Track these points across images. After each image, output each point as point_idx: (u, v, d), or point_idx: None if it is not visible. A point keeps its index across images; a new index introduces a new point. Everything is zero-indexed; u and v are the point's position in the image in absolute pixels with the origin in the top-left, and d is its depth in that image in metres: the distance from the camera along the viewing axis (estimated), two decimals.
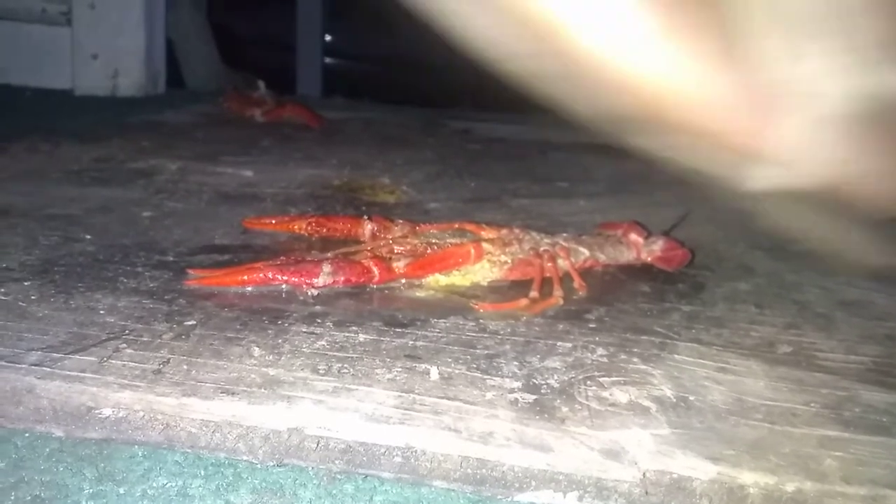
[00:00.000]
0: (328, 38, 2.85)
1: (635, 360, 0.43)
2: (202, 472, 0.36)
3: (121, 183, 0.79)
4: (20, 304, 0.46)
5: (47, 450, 0.36)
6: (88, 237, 0.60)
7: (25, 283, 0.49)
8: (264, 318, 0.46)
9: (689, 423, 0.36)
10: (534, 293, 0.51)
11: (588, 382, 0.40)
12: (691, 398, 0.39)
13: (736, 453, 0.34)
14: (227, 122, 1.34)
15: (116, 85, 1.71)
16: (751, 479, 0.33)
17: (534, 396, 0.38)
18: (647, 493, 0.32)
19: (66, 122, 1.28)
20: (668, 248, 0.62)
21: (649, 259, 0.62)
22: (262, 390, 0.37)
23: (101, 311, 0.45)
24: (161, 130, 1.19)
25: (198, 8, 2.04)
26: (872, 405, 0.40)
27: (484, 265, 0.54)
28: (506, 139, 1.38)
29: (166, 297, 0.48)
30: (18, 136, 1.01)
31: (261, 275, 0.49)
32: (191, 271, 0.51)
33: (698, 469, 0.33)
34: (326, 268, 0.50)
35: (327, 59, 2.86)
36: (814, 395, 0.41)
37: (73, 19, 1.68)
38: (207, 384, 0.37)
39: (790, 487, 0.32)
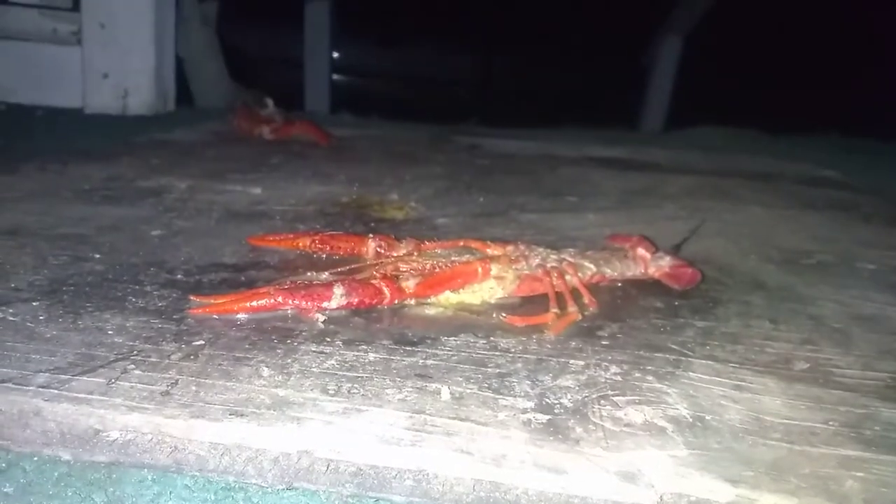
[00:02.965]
0: (336, 54, 2.86)
1: (650, 378, 0.42)
2: (212, 497, 0.36)
3: (130, 202, 0.79)
4: (28, 324, 0.45)
5: (56, 474, 0.36)
6: (97, 256, 0.60)
7: (34, 304, 0.49)
8: (273, 338, 0.45)
9: (706, 443, 0.35)
10: (554, 309, 0.51)
11: (602, 402, 0.39)
12: (708, 418, 0.38)
13: (755, 474, 0.33)
14: (237, 139, 1.35)
15: (126, 104, 1.72)
16: (770, 501, 0.32)
17: (547, 417, 0.37)
18: None
19: (77, 141, 1.29)
20: (677, 266, 0.61)
21: (657, 275, 0.61)
22: (272, 412, 0.36)
23: (110, 332, 0.45)
24: (170, 149, 1.19)
25: (207, 26, 2.05)
26: (893, 423, 0.39)
27: (492, 282, 0.54)
28: (514, 154, 1.38)
29: (175, 316, 0.48)
30: (29, 156, 1.01)
31: (270, 300, 0.48)
32: (194, 298, 0.50)
33: (717, 491, 0.32)
34: (338, 290, 0.49)
35: (335, 76, 2.87)
36: (832, 413, 0.40)
37: (84, 39, 1.69)
38: (216, 406, 0.37)
39: None
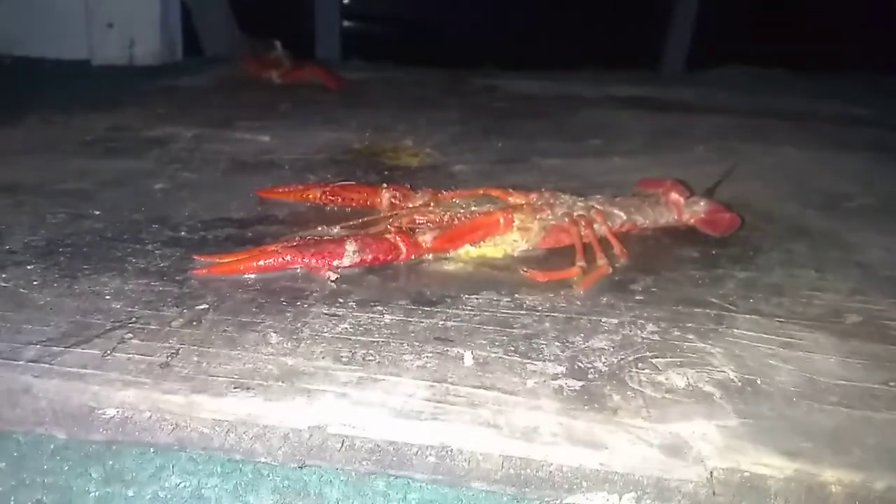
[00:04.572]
0: (346, 0, 2.77)
1: (690, 336, 0.39)
2: (218, 470, 0.33)
3: (134, 153, 0.76)
4: (21, 290, 0.42)
5: (51, 447, 0.33)
6: (98, 213, 0.57)
7: (28, 267, 0.46)
8: (282, 299, 0.42)
9: (758, 411, 0.32)
10: (581, 262, 0.47)
11: (640, 365, 0.36)
12: (758, 381, 0.35)
13: (814, 446, 0.30)
14: (244, 85, 1.30)
15: (133, 54, 1.68)
16: (833, 476, 0.29)
17: (580, 383, 0.34)
18: (714, 493, 0.29)
19: (82, 92, 1.25)
20: (714, 211, 0.57)
21: (692, 221, 0.57)
22: (280, 383, 0.33)
23: (107, 297, 0.42)
24: (177, 97, 1.15)
25: None
26: None
27: (515, 234, 0.50)
28: (534, 96, 1.33)
29: (177, 277, 0.45)
30: (34, 108, 0.98)
31: (278, 259, 0.45)
32: (197, 257, 0.47)
33: (773, 466, 0.29)
34: (351, 246, 0.45)
35: (346, 23, 2.79)
36: (892, 373, 0.37)
37: None
38: (220, 378, 0.34)
39: (879, 485, 0.28)
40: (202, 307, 0.41)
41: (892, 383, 0.36)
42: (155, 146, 0.79)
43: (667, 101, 1.31)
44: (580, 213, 0.52)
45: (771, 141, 0.98)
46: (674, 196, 0.58)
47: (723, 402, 0.33)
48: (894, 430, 0.31)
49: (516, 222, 0.50)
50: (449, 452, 0.30)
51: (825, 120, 1.19)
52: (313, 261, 0.45)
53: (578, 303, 0.43)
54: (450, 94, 1.33)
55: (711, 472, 0.29)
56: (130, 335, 0.37)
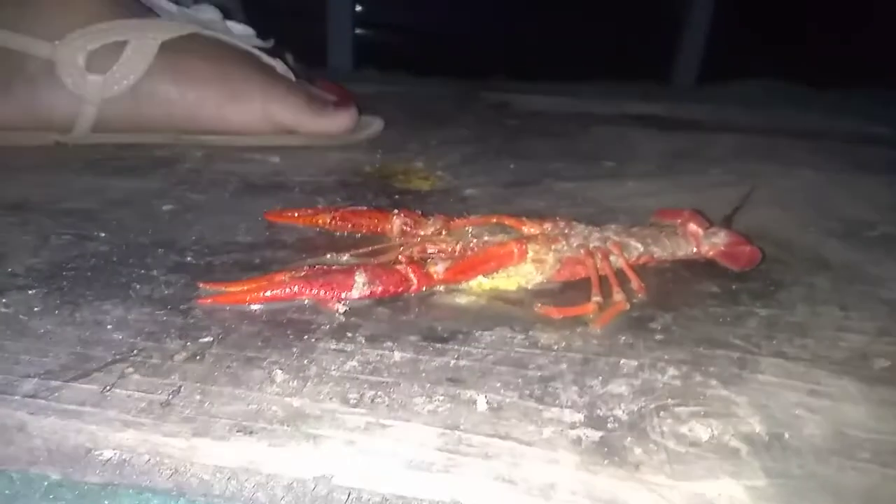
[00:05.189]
0: (359, 8, 2.77)
1: (713, 382, 0.37)
2: None
3: (142, 173, 0.75)
4: (21, 317, 0.41)
5: (45, 484, 0.32)
6: (103, 235, 0.55)
7: (30, 292, 0.45)
8: (289, 332, 0.41)
9: (787, 469, 0.30)
10: (597, 297, 0.45)
11: (661, 413, 0.34)
12: (785, 435, 0.33)
13: None
14: None
15: None
16: None
17: (599, 433, 0.32)
18: None
19: None
20: (734, 243, 0.55)
21: (711, 254, 0.55)
22: (285, 427, 0.32)
23: (109, 326, 0.41)
24: None
25: None
26: None
27: (529, 265, 0.49)
28: (545, 112, 1.31)
29: (181, 307, 0.44)
30: None
31: (286, 290, 0.43)
32: (203, 286, 0.45)
33: None
34: (360, 278, 0.44)
35: (358, 30, 2.79)
36: None
37: None
38: (222, 420, 0.32)
39: None
40: (206, 340, 0.40)
41: None
42: (163, 166, 0.78)
43: (679, 119, 1.29)
44: (596, 244, 0.51)
45: (788, 161, 0.96)
46: (692, 227, 0.56)
47: (749, 458, 0.31)
48: None
49: (531, 253, 0.48)
50: None
51: (843, 139, 1.18)
52: (322, 292, 0.44)
53: (595, 342, 0.41)
54: (461, 109, 1.32)
55: None
56: (131, 369, 0.36)
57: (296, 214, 0.60)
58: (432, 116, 1.21)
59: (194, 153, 0.83)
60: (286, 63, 0.98)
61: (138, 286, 0.46)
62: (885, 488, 0.30)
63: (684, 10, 2.58)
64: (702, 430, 0.33)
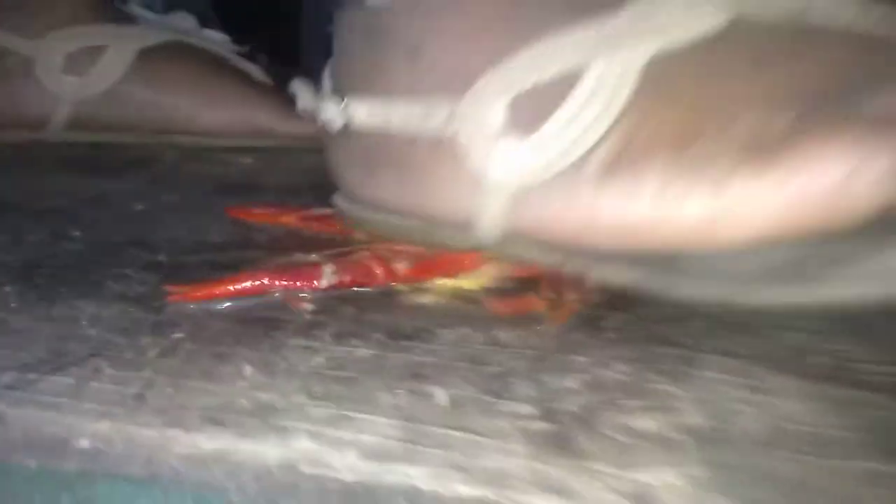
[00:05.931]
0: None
1: (661, 378, 0.39)
2: (191, 501, 0.33)
3: (116, 173, 0.76)
4: None
5: (23, 473, 0.33)
6: (77, 234, 0.57)
7: (6, 289, 0.46)
8: (258, 329, 0.42)
9: (726, 459, 0.33)
10: (549, 294, 0.47)
11: (610, 408, 0.36)
12: (725, 427, 0.35)
13: (781, 496, 0.31)
14: None
15: None
16: None
17: (551, 426, 0.34)
18: None
19: None
20: None
21: None
22: (253, 419, 0.34)
23: (84, 322, 0.42)
24: None
25: None
26: None
27: (488, 264, 0.51)
28: None
29: (154, 303, 0.45)
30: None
31: (255, 282, 0.45)
32: (171, 288, 0.47)
33: None
34: (328, 268, 0.46)
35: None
36: (857, 419, 0.37)
37: None
38: (193, 412, 0.34)
39: None
40: (178, 336, 0.41)
41: (859, 430, 0.36)
42: (137, 166, 0.79)
43: None
44: None
45: None
46: None
47: (691, 449, 0.33)
48: (856, 478, 0.32)
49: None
50: (420, 494, 0.30)
51: None
52: (292, 282, 0.46)
53: (549, 339, 0.43)
54: None
55: None
56: (106, 363, 0.38)
57: (261, 212, 0.61)
58: None
59: (168, 154, 0.85)
60: (261, 67, 1.00)
61: (112, 284, 0.48)
62: (818, 477, 0.32)
63: None
64: (647, 423, 0.35)
